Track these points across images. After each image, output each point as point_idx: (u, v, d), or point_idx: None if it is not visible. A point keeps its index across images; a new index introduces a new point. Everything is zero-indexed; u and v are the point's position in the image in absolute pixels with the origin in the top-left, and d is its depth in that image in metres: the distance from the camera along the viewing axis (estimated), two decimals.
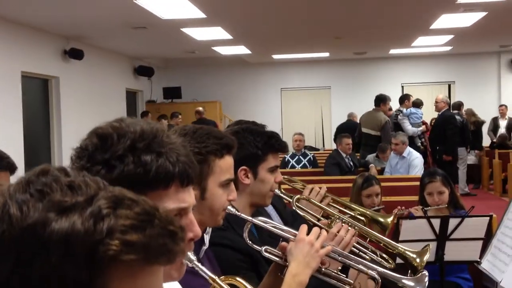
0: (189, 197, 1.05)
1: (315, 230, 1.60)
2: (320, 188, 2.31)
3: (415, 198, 3.96)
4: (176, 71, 14.45)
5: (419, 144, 9.11)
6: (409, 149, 7.41)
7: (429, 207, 3.54)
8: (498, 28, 9.76)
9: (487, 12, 8.22)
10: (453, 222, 2.95)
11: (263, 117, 14.36)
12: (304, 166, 7.92)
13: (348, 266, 1.70)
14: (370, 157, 8.00)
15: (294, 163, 7.95)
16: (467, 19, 8.78)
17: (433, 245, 2.95)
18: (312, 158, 8.06)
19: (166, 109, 12.69)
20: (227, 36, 9.67)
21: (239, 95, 14.52)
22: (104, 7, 7.28)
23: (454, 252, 2.96)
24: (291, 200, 2.11)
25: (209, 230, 1.56)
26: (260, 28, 9.28)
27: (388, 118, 8.68)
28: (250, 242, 1.62)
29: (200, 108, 12.12)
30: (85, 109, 10.12)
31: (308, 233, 1.59)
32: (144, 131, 1.03)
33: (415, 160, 7.24)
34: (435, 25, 9.16)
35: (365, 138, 8.57)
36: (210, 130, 1.54)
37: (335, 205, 2.29)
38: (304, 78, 14.44)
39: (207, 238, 1.53)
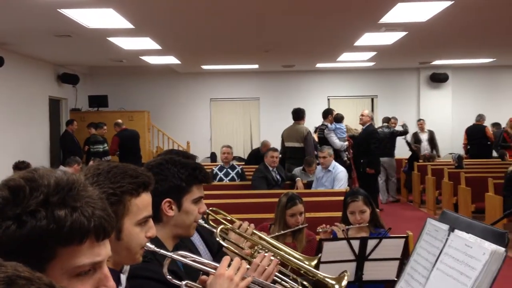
0: (104, 250, 1.02)
1: (236, 262, 1.61)
2: (249, 226, 2.35)
3: (338, 214, 4.07)
4: (103, 79, 14.12)
5: (345, 158, 9.35)
6: (334, 162, 7.59)
7: (351, 226, 3.68)
8: (418, 46, 10.29)
9: (407, 32, 8.64)
10: (371, 242, 3.08)
11: (192, 127, 14.38)
12: (232, 179, 7.94)
13: None
14: (297, 170, 8.08)
15: (222, 176, 7.95)
16: (388, 38, 9.18)
17: (352, 265, 3.07)
18: (240, 171, 8.09)
19: (92, 118, 12.34)
20: (155, 46, 9.57)
21: (168, 105, 14.39)
22: (27, 14, 7.00)
23: (372, 271, 3.09)
24: (215, 231, 2.12)
25: (126, 268, 1.54)
26: (189, 39, 9.26)
27: (309, 129, 8.87)
28: (170, 277, 1.62)
29: (119, 120, 11.42)
30: (5, 118, 9.67)
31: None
32: (59, 183, 0.99)
33: (340, 174, 7.42)
34: (359, 42, 9.51)
35: (289, 152, 8.71)
36: (125, 168, 1.49)
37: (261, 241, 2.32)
38: (234, 89, 14.53)
39: (123, 278, 1.50)
